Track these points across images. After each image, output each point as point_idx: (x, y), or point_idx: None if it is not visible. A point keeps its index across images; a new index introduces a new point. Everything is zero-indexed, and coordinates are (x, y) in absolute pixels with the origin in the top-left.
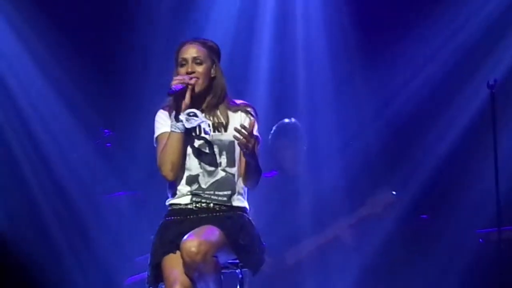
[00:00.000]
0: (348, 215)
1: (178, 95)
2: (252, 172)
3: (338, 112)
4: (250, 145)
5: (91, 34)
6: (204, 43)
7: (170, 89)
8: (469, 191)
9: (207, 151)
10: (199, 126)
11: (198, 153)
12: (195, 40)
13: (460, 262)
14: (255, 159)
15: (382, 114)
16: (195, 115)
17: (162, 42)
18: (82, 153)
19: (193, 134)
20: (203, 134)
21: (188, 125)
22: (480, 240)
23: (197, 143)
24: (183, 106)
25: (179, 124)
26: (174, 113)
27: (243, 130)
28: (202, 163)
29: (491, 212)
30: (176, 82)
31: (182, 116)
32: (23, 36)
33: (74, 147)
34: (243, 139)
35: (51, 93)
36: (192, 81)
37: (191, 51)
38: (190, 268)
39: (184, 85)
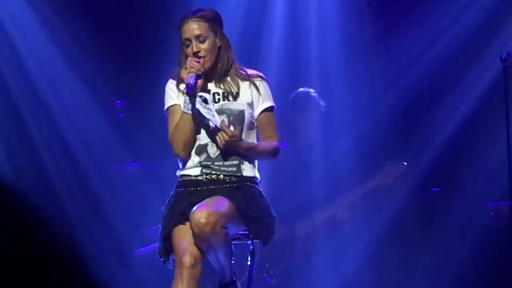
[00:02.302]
0: (359, 187)
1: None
2: (260, 158)
3: (351, 84)
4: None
5: (103, 3)
6: (203, 16)
7: (187, 87)
8: (480, 165)
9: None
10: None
11: (206, 122)
12: (194, 15)
13: (471, 235)
14: (250, 151)
15: (394, 86)
16: (205, 101)
17: (176, 11)
18: (94, 123)
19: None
20: (211, 126)
21: (204, 113)
22: (491, 213)
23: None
24: (197, 89)
25: (191, 106)
26: (185, 93)
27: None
28: (211, 133)
29: (502, 186)
30: (188, 76)
31: (196, 100)
32: (36, 6)
33: (86, 118)
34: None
35: (63, 63)
36: (200, 65)
37: (192, 30)
38: (199, 239)
39: (197, 74)
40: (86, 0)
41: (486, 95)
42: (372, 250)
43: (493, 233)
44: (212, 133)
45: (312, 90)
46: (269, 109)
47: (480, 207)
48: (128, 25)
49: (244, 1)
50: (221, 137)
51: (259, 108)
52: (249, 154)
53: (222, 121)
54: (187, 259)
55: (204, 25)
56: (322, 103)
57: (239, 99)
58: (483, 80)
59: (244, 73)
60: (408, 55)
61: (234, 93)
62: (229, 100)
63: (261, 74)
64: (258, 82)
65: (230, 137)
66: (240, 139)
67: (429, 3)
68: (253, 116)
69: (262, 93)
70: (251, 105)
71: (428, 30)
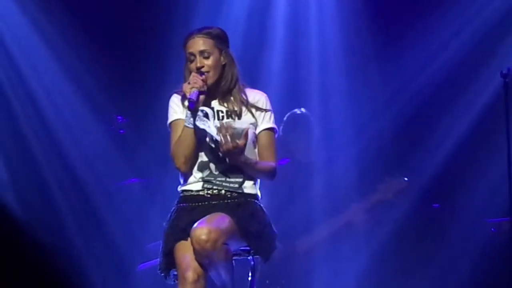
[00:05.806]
0: (360, 201)
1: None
2: (256, 175)
3: (352, 100)
4: (229, 151)
5: (104, 18)
6: (209, 33)
7: (190, 102)
8: (481, 180)
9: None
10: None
11: (208, 138)
12: (199, 31)
13: (471, 251)
14: (247, 166)
15: (395, 102)
16: (206, 115)
17: (178, 27)
18: (95, 139)
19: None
20: (211, 142)
21: (199, 125)
22: (492, 229)
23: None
24: (199, 104)
25: (192, 120)
26: (187, 105)
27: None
28: (214, 150)
29: (503, 201)
30: (190, 91)
31: (197, 114)
32: (35, 19)
33: (87, 134)
34: (229, 145)
35: (64, 79)
36: (203, 80)
37: (197, 45)
38: (200, 256)
39: (199, 89)
40: (87, 15)
41: (486, 110)
42: (373, 265)
43: (494, 249)
44: (215, 149)
45: (304, 110)
46: (268, 130)
47: (481, 223)
48: (130, 41)
49: (244, 17)
50: (223, 143)
51: (259, 128)
52: (246, 169)
53: (229, 126)
54: (190, 275)
55: (209, 41)
56: (315, 126)
57: (243, 118)
58: (483, 96)
59: (244, 97)
60: (409, 70)
61: (238, 112)
62: (232, 119)
63: (264, 95)
64: (259, 105)
65: (233, 147)
66: (242, 153)
67: (429, 18)
68: (256, 135)
69: (263, 115)
70: (254, 125)
71: (429, 45)
